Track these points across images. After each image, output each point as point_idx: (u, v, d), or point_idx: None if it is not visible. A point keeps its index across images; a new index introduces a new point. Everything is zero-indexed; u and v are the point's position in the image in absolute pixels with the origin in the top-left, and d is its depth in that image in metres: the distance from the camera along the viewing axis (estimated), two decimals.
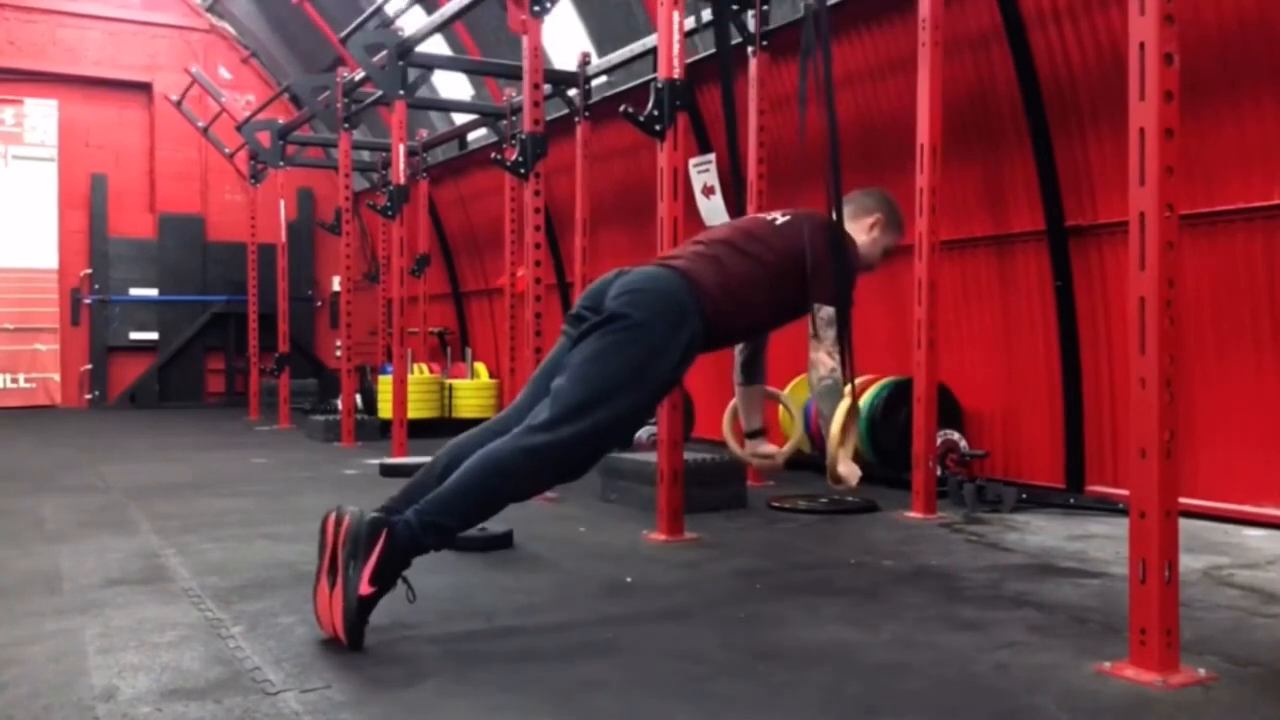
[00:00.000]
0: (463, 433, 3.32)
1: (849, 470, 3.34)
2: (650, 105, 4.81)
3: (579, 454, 3.12)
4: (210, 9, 15.88)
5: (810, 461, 7.03)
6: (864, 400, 6.25)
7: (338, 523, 2.95)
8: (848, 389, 3.36)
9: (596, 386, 3.08)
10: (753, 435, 3.80)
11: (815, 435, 6.67)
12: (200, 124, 13.87)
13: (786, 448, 3.81)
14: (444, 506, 2.99)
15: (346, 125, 9.68)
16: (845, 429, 3.33)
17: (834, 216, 3.46)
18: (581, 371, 3.11)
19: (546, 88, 7.82)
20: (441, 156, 13.25)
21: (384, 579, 2.91)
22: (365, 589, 2.88)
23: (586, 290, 3.37)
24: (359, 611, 2.90)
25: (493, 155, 7.03)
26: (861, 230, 3.61)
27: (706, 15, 7.33)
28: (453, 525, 3.02)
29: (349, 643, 2.91)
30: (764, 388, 3.82)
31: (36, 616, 3.37)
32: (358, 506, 2.98)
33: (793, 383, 6.80)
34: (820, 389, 3.35)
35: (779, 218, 3.53)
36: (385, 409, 9.57)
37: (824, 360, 3.33)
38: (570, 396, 3.06)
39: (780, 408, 4.11)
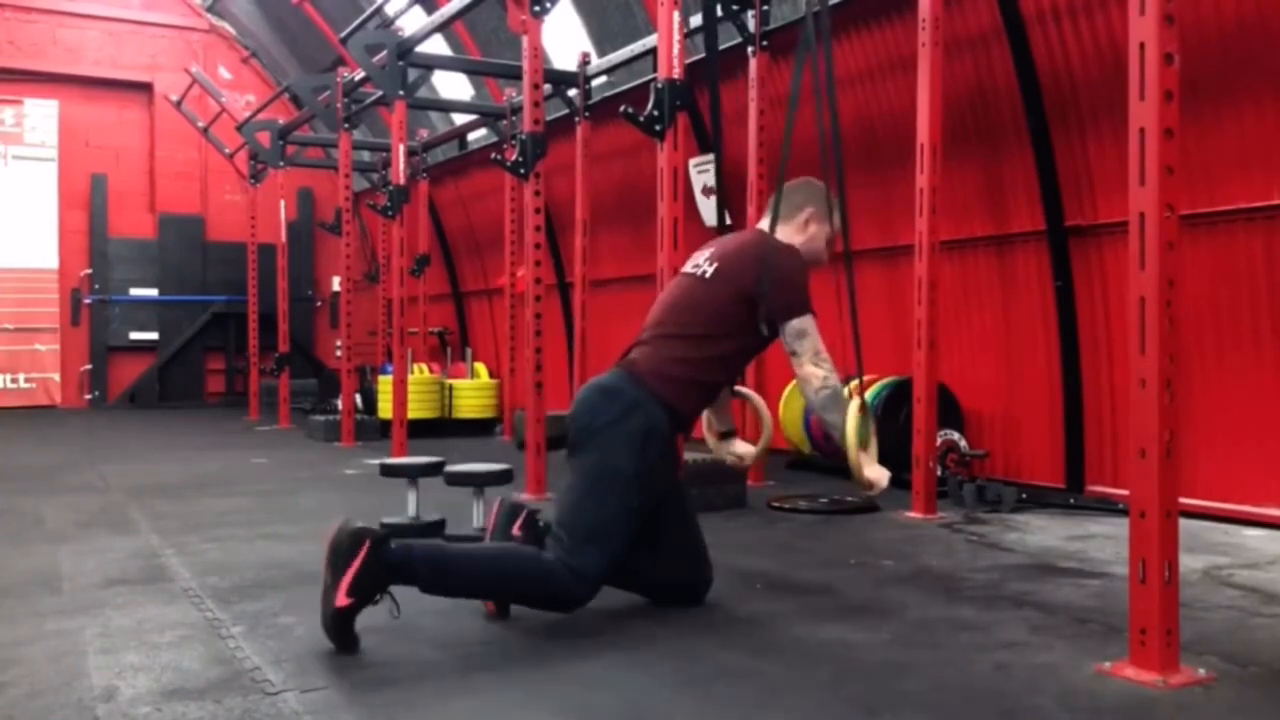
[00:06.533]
0: None
1: (877, 474, 3.32)
2: (650, 105, 4.81)
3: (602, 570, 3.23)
4: (210, 9, 15.88)
5: (812, 462, 7.05)
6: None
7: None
8: (851, 387, 3.36)
9: (591, 516, 3.20)
10: (724, 436, 3.81)
11: (818, 439, 6.68)
12: (200, 124, 13.88)
13: (757, 448, 3.86)
14: (443, 556, 3.08)
15: (346, 125, 9.69)
16: (861, 432, 3.34)
17: (840, 218, 3.56)
18: (573, 500, 3.26)
19: (546, 88, 7.81)
20: (441, 156, 13.25)
21: (363, 591, 2.88)
22: (342, 600, 2.85)
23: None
24: (335, 621, 2.88)
25: (493, 155, 7.03)
26: (796, 231, 3.54)
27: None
28: (441, 573, 3.05)
29: (337, 649, 2.91)
30: (729, 389, 3.76)
31: (36, 616, 3.37)
32: (352, 519, 2.96)
33: (787, 389, 6.79)
34: (819, 401, 3.30)
35: (708, 269, 3.45)
36: (385, 409, 9.57)
37: (813, 373, 3.28)
38: (576, 525, 3.19)
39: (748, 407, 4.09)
